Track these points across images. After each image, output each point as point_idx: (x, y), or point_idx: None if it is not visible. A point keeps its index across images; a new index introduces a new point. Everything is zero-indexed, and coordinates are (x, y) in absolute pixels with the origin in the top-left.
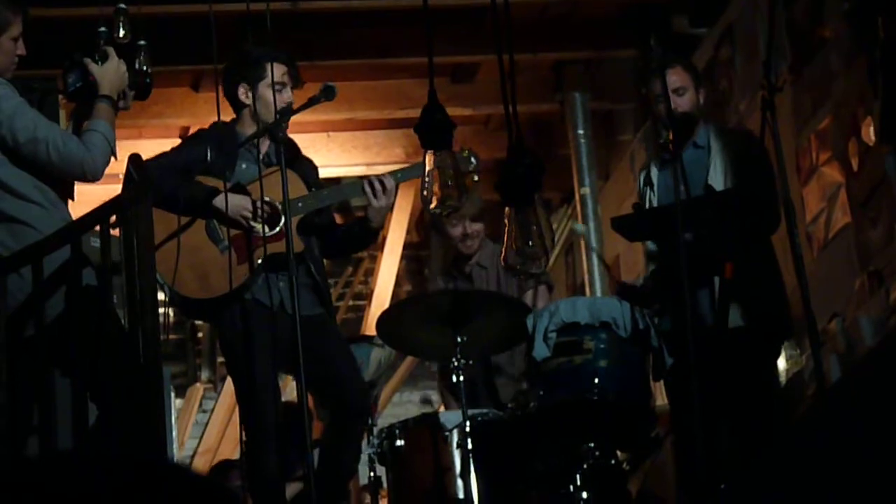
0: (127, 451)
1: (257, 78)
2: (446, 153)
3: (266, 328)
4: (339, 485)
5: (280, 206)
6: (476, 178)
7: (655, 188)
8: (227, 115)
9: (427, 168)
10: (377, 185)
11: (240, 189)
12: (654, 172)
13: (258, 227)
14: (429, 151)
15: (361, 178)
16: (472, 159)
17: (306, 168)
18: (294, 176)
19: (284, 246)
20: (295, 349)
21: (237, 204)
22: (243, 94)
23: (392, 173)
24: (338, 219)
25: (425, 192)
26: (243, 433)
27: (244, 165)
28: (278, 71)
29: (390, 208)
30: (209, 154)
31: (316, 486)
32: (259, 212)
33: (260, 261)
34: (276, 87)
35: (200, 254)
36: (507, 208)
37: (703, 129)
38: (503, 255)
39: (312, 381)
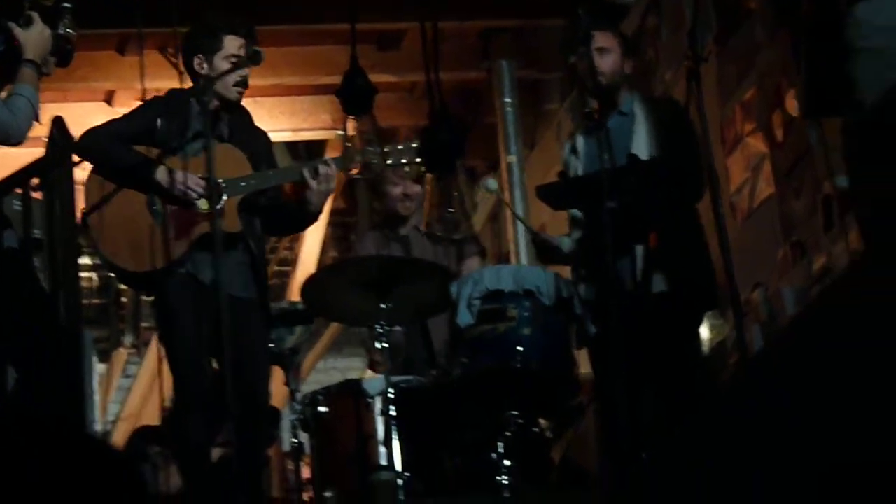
0: (41, 415)
1: (213, 49)
2: (368, 118)
3: (199, 302)
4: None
5: (223, 184)
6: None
7: (581, 156)
8: (154, 81)
9: (348, 132)
10: (320, 170)
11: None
12: (580, 141)
13: (199, 203)
14: (350, 117)
15: (306, 163)
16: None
17: (258, 142)
18: (240, 154)
19: (225, 224)
20: (218, 329)
21: (180, 179)
22: (198, 65)
23: (334, 159)
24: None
25: (346, 158)
26: (169, 401)
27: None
28: (235, 43)
29: (330, 193)
30: (159, 123)
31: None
32: (194, 188)
33: (196, 238)
34: (231, 59)
35: (138, 225)
36: (428, 175)
37: (629, 97)
38: (424, 220)
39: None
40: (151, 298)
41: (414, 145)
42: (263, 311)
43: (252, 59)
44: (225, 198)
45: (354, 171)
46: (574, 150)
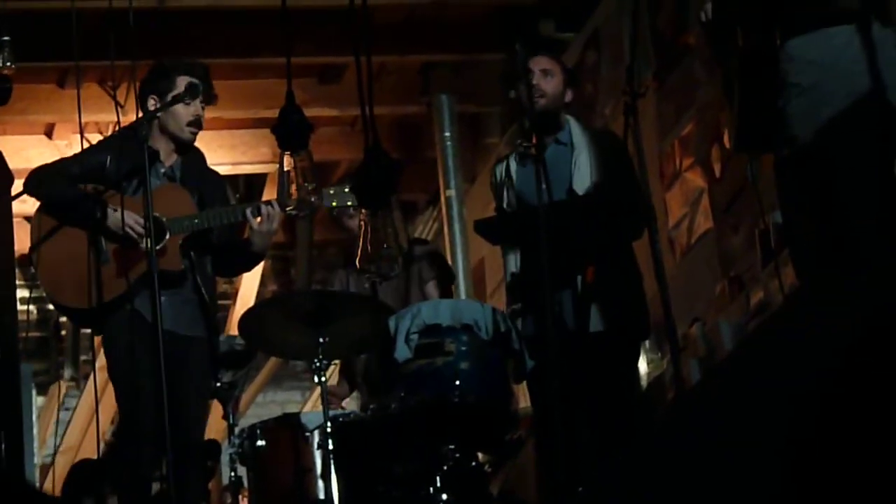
0: None
1: (166, 90)
2: (304, 153)
3: (146, 338)
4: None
5: (166, 223)
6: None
7: (515, 183)
8: (94, 114)
9: (285, 168)
10: (262, 210)
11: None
12: (514, 167)
13: (142, 242)
14: (286, 153)
15: (248, 203)
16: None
17: (209, 184)
18: (185, 194)
19: (166, 263)
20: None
21: (119, 219)
22: (153, 104)
23: (277, 201)
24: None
25: (283, 194)
26: (102, 436)
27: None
28: (188, 83)
29: (273, 234)
30: (108, 162)
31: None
32: (136, 227)
33: (137, 276)
34: (185, 100)
35: (81, 263)
36: (362, 211)
37: (567, 126)
38: (358, 257)
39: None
40: (90, 331)
41: (346, 189)
42: (210, 350)
43: (190, 92)
44: (167, 236)
45: (290, 208)
46: (508, 175)
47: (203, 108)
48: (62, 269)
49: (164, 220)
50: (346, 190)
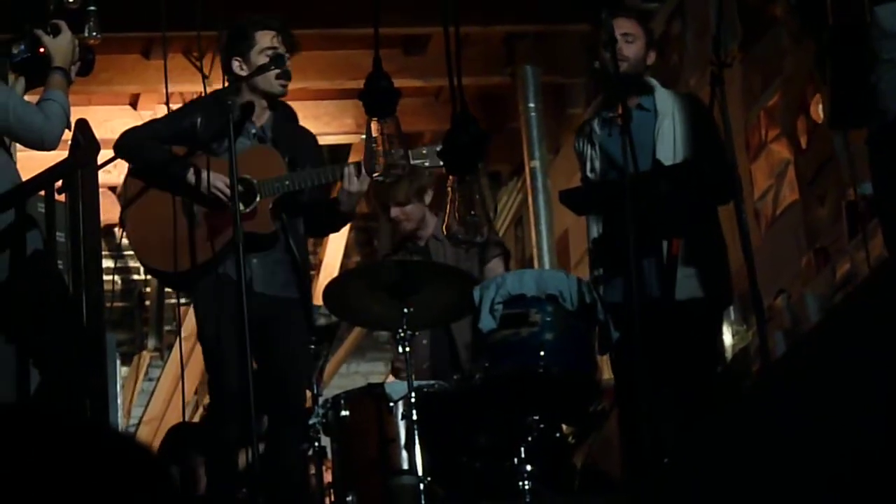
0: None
1: (247, 48)
2: (391, 120)
3: (235, 303)
4: (285, 476)
5: (256, 185)
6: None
7: (598, 149)
8: (178, 84)
9: (372, 135)
10: (351, 169)
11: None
12: (597, 132)
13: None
14: (373, 119)
15: (341, 164)
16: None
17: (302, 142)
18: (277, 155)
19: (256, 225)
20: (257, 329)
21: (212, 182)
22: (238, 66)
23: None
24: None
25: (369, 160)
26: (201, 401)
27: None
28: (267, 37)
29: (362, 194)
30: (199, 124)
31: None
32: (225, 190)
33: (227, 239)
34: (267, 52)
35: (171, 227)
36: (449, 178)
37: (650, 91)
38: (445, 224)
39: (258, 371)
40: (174, 300)
41: (436, 148)
42: (304, 310)
43: (276, 62)
44: (258, 199)
45: (376, 174)
46: (591, 141)
47: (289, 58)
48: (152, 232)
49: (255, 181)
50: (437, 150)
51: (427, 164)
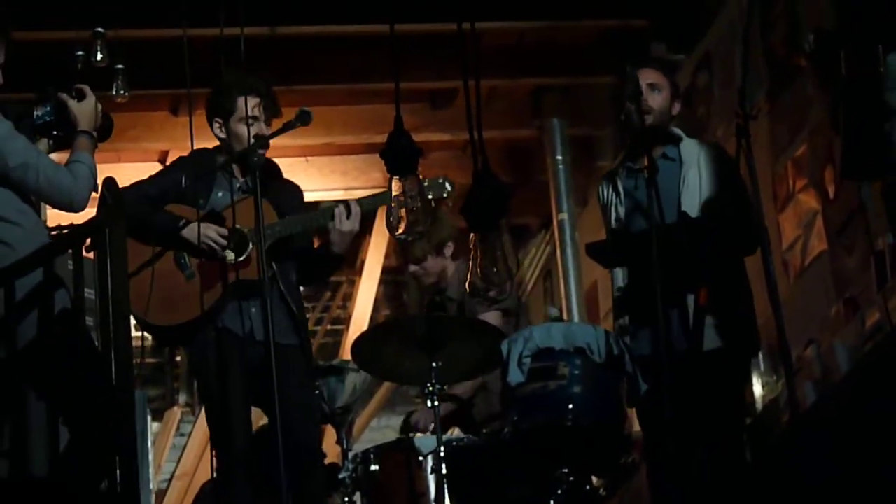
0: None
1: (228, 112)
2: (413, 178)
3: (236, 355)
4: None
5: (248, 233)
6: (451, 203)
7: (622, 198)
8: (206, 141)
9: (393, 193)
10: (342, 209)
11: (213, 216)
12: (622, 183)
13: (227, 254)
14: (395, 177)
15: (334, 202)
16: (447, 185)
17: (286, 193)
18: (265, 203)
19: (251, 272)
20: (262, 378)
21: (204, 233)
22: (217, 128)
23: (358, 199)
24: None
25: (391, 218)
26: (214, 459)
27: (220, 193)
28: (251, 103)
29: (354, 234)
30: (184, 181)
31: None
32: (219, 239)
33: (225, 288)
34: (248, 120)
35: (167, 281)
36: (472, 234)
37: (675, 141)
38: (468, 280)
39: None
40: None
41: (440, 180)
42: (305, 357)
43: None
44: (250, 247)
45: (399, 232)
46: (616, 190)
47: (268, 126)
48: (146, 288)
49: (246, 230)
50: (441, 181)
51: (432, 195)
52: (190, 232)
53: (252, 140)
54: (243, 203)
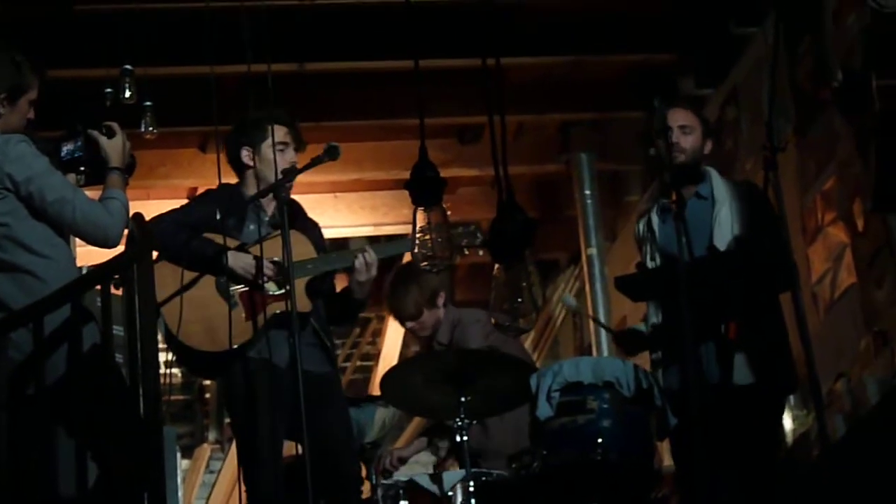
0: None
1: (259, 139)
2: (437, 209)
3: (271, 387)
4: None
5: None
6: (467, 252)
7: (657, 237)
8: (233, 177)
9: (419, 225)
10: (361, 262)
11: (242, 250)
12: (655, 220)
13: (268, 286)
14: (419, 208)
15: (355, 251)
16: (478, 234)
17: (311, 230)
18: (303, 238)
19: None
20: (298, 409)
21: (246, 263)
22: (247, 156)
23: (374, 246)
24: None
25: (415, 249)
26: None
27: (251, 226)
28: (279, 132)
29: (372, 281)
30: (217, 214)
31: None
32: (265, 271)
33: (267, 318)
34: (278, 146)
35: (209, 309)
36: (496, 266)
37: (708, 179)
38: (491, 312)
39: (309, 445)
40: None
41: (472, 228)
42: (339, 387)
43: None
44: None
45: (424, 263)
46: (650, 229)
47: (296, 156)
48: (190, 314)
49: (287, 264)
50: (472, 228)
51: (465, 242)
52: (235, 261)
53: (280, 174)
54: (278, 237)
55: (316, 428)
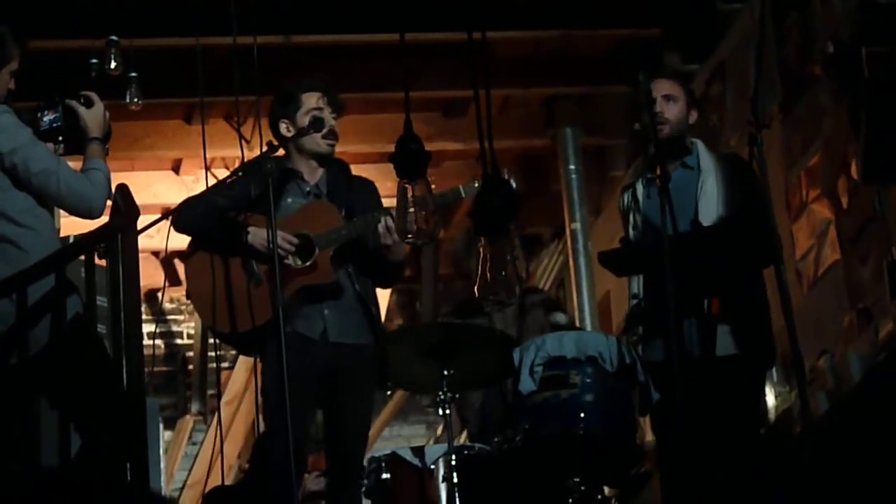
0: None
1: (293, 110)
2: (423, 182)
3: (303, 361)
4: None
5: (314, 238)
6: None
7: (641, 209)
8: (219, 149)
9: (403, 197)
10: (383, 227)
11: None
12: (640, 190)
13: (292, 260)
14: (404, 182)
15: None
16: (462, 190)
17: (358, 192)
18: (332, 207)
19: (318, 277)
20: (330, 378)
21: (265, 238)
22: (285, 129)
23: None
24: None
25: (401, 223)
26: (228, 470)
27: (289, 199)
28: (312, 98)
29: (400, 244)
30: (252, 191)
31: None
32: (283, 245)
33: (293, 293)
34: (314, 111)
35: (236, 289)
36: (481, 238)
37: (694, 150)
38: (476, 284)
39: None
40: (214, 367)
41: (456, 189)
42: (375, 357)
43: (314, 125)
44: (317, 251)
45: (409, 237)
46: (634, 199)
47: (335, 118)
48: (220, 298)
49: (311, 235)
50: (458, 188)
51: (452, 202)
52: (254, 238)
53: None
54: (311, 207)
55: (334, 402)
